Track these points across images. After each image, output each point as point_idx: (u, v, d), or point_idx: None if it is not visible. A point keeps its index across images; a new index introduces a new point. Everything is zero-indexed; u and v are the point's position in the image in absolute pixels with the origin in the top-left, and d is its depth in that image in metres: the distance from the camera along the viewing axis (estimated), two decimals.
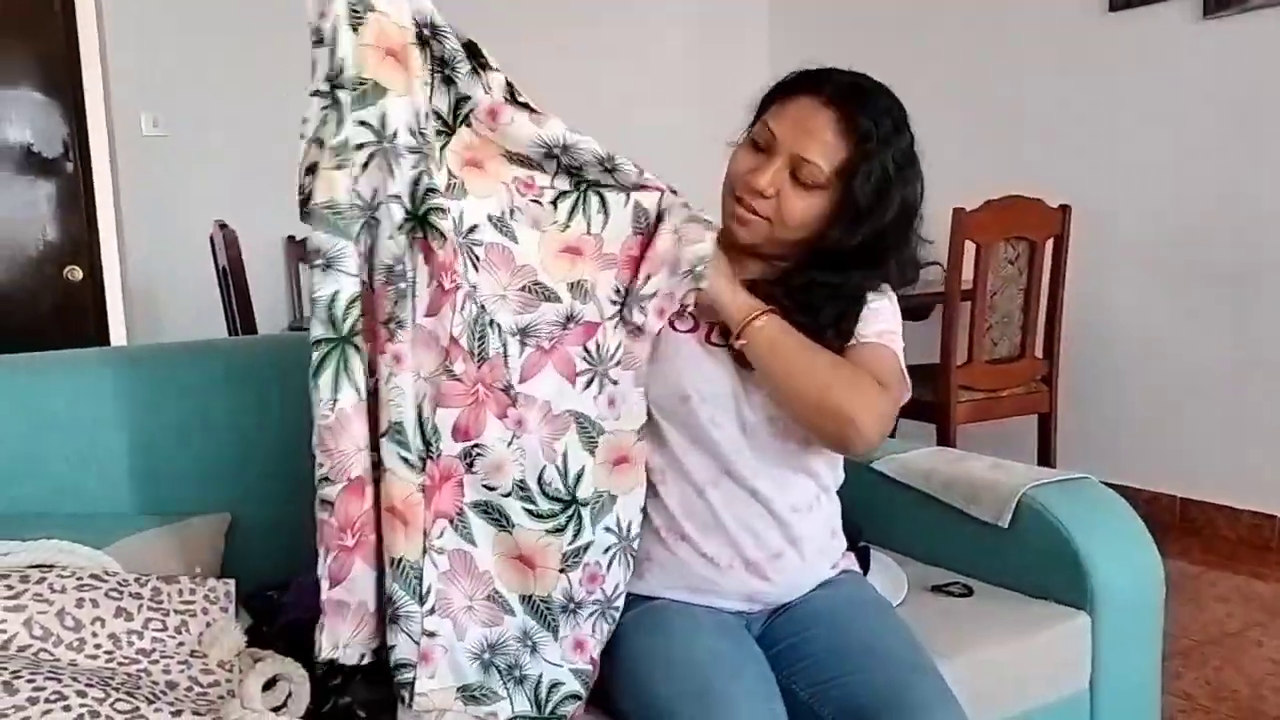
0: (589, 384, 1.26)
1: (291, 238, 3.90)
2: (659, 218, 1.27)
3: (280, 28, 3.77)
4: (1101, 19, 3.52)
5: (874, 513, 1.74)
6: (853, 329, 1.32)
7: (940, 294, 3.09)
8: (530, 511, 1.23)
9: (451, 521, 1.20)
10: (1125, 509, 1.65)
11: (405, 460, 1.14)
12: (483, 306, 1.21)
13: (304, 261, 3.92)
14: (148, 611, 1.18)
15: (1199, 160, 3.32)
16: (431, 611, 1.17)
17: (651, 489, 1.33)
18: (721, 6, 4.51)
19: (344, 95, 1.12)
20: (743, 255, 1.33)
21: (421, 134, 1.18)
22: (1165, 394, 3.45)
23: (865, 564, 1.56)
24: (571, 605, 1.24)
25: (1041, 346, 3.23)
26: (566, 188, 1.27)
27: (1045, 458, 3.25)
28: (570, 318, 1.26)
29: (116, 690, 1.02)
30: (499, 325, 1.22)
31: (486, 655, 1.21)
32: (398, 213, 1.14)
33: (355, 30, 1.13)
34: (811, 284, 1.29)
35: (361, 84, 1.13)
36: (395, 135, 1.15)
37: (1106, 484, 1.71)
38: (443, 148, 1.21)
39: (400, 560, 1.14)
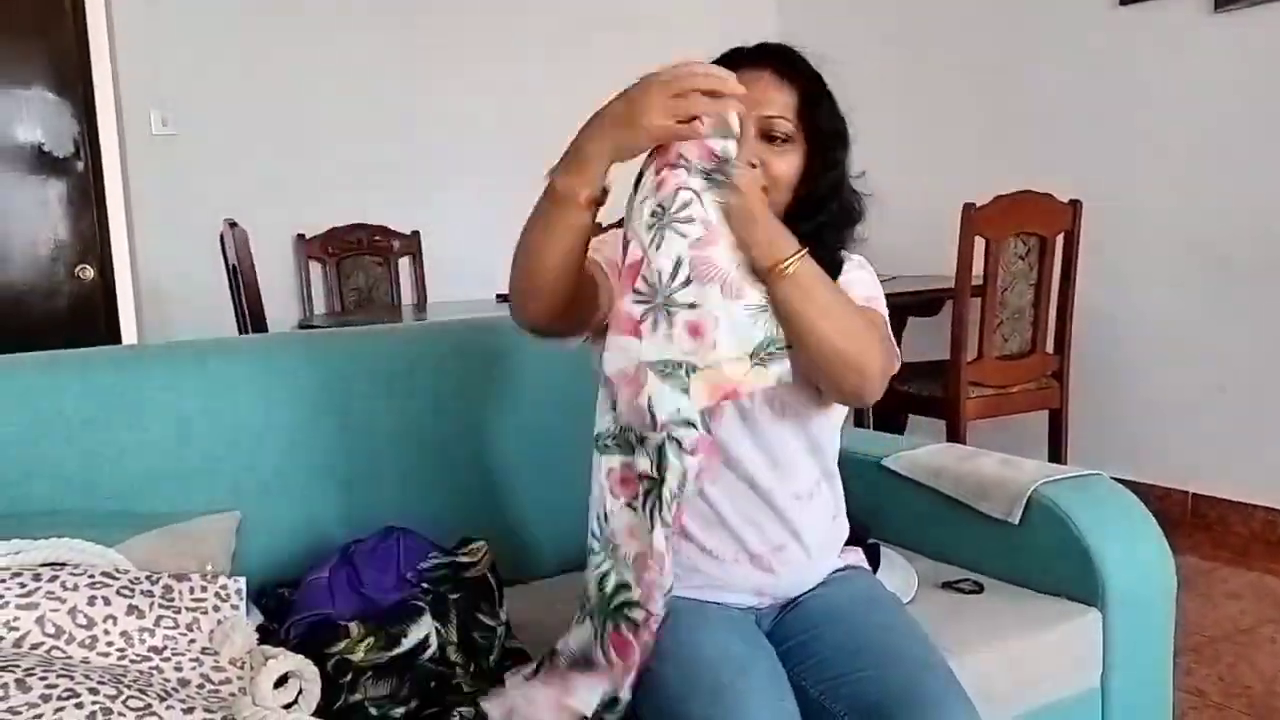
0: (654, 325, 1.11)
1: (301, 236, 3.91)
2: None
3: (290, 26, 3.81)
4: (1113, 12, 3.50)
5: (884, 510, 1.74)
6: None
7: (950, 290, 3.08)
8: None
9: None
10: (1136, 505, 1.65)
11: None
12: None
13: (314, 260, 3.95)
14: (159, 609, 1.18)
15: (1211, 153, 3.30)
16: None
17: None
18: (729, 4, 4.50)
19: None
20: None
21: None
22: (1177, 390, 3.44)
23: (875, 561, 1.56)
24: None
25: (1052, 342, 3.22)
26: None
27: (1056, 454, 3.24)
28: None
29: (129, 688, 1.02)
30: None
31: None
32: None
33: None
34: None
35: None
36: None
37: (1118, 480, 1.70)
38: None
39: None
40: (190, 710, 1.02)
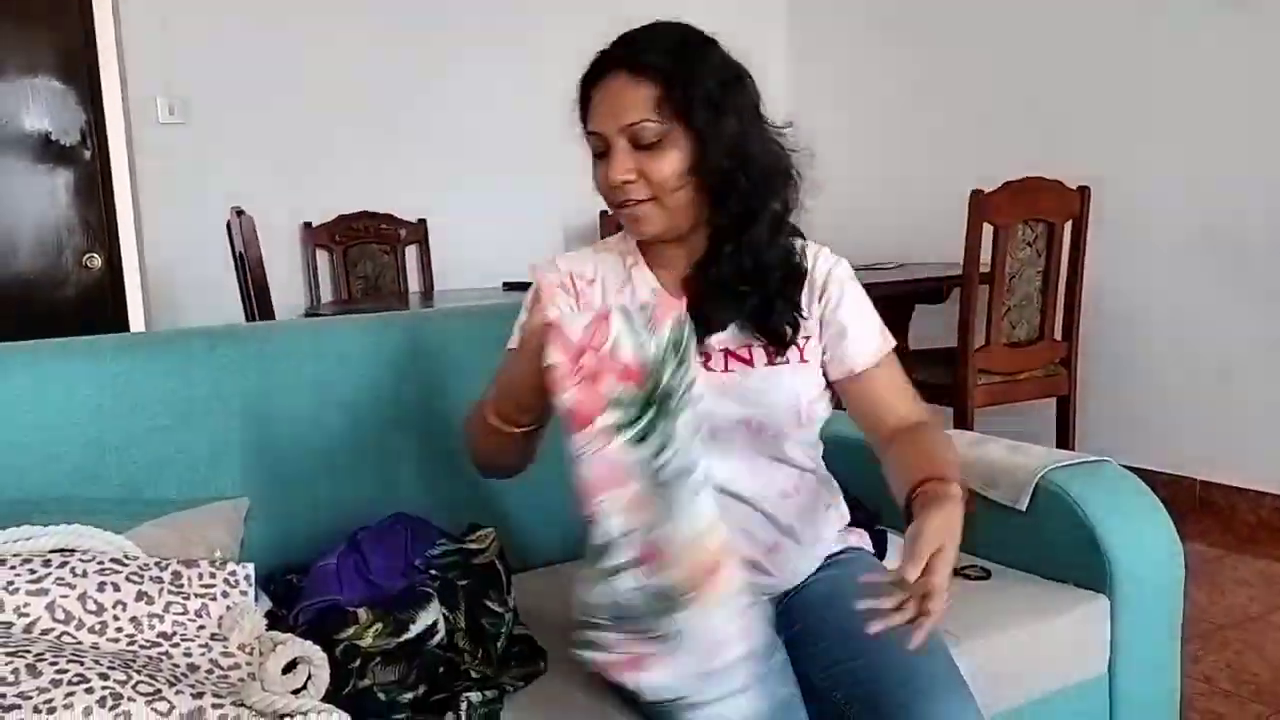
0: None
1: (308, 224, 3.91)
2: None
3: (297, 14, 3.81)
4: None
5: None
6: (798, 291, 1.29)
7: (958, 277, 3.07)
8: None
9: None
10: (1145, 491, 1.64)
11: None
12: None
13: (321, 248, 3.95)
14: (168, 595, 1.19)
15: (1221, 140, 3.28)
16: None
17: None
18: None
19: None
20: (668, 249, 1.31)
21: None
22: (1186, 377, 3.43)
23: (882, 548, 1.56)
24: None
25: (1060, 329, 3.21)
26: None
27: (1064, 441, 3.23)
28: None
29: (138, 673, 1.02)
30: None
31: None
32: None
33: None
34: (739, 240, 1.24)
35: None
36: None
37: (1126, 467, 1.70)
38: None
39: None
40: (199, 695, 1.02)
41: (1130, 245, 3.48)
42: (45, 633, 1.10)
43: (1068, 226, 3.13)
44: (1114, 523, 1.56)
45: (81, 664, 1.01)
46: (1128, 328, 3.53)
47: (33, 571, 1.14)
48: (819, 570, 1.37)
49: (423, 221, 4.09)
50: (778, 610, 1.35)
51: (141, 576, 1.19)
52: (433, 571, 1.37)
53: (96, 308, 3.60)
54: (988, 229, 2.97)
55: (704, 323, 1.23)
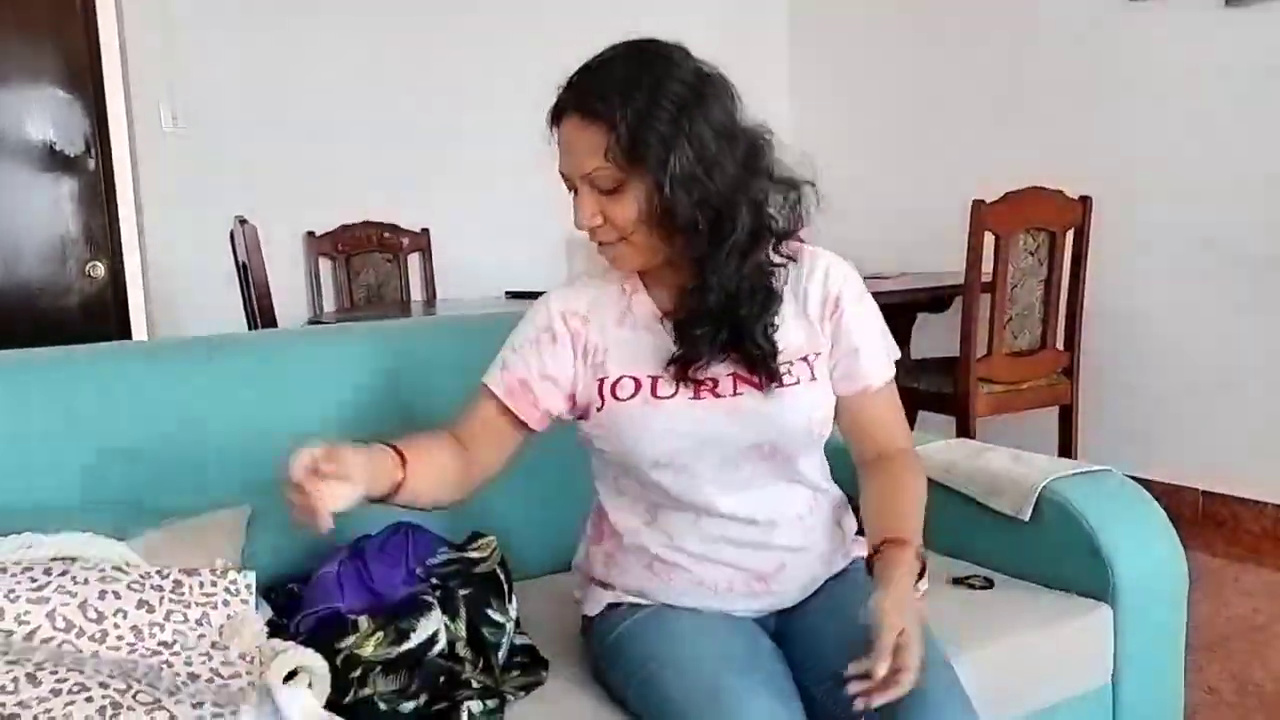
0: None
1: (311, 233, 3.92)
2: None
3: (301, 24, 3.82)
4: (1123, 8, 3.49)
5: None
6: (774, 311, 1.25)
7: (960, 286, 3.07)
8: None
9: None
10: (1148, 501, 1.64)
11: None
12: None
13: (324, 257, 3.95)
14: (169, 604, 1.19)
15: (1223, 150, 3.28)
16: None
17: (641, 528, 1.32)
18: (741, 31, 4.50)
19: None
20: (660, 272, 1.29)
21: None
22: (1189, 386, 3.42)
23: None
24: None
25: (1062, 339, 3.21)
26: None
27: (1067, 450, 3.23)
28: None
29: (138, 682, 1.02)
30: None
31: None
32: None
33: None
34: (704, 277, 1.21)
35: None
36: None
37: (1128, 477, 1.69)
38: None
39: None
40: (199, 704, 1.02)
41: (1132, 255, 3.48)
42: (46, 641, 1.10)
43: (1069, 236, 3.13)
44: (1117, 532, 1.55)
45: (81, 673, 1.01)
46: (1130, 337, 3.53)
47: (33, 580, 1.14)
48: (822, 584, 1.36)
49: (425, 231, 4.09)
50: (779, 623, 1.34)
51: (142, 585, 1.19)
52: (434, 580, 1.37)
53: (99, 316, 3.60)
54: (989, 238, 2.97)
55: (690, 358, 1.24)
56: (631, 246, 1.23)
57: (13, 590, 1.12)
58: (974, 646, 1.38)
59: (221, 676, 1.14)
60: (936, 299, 3.47)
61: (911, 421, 3.45)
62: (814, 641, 1.27)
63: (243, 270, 3.17)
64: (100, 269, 3.61)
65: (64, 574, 1.16)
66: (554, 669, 1.36)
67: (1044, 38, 3.75)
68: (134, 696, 1.00)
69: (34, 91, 3.49)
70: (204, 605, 1.21)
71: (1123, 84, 3.53)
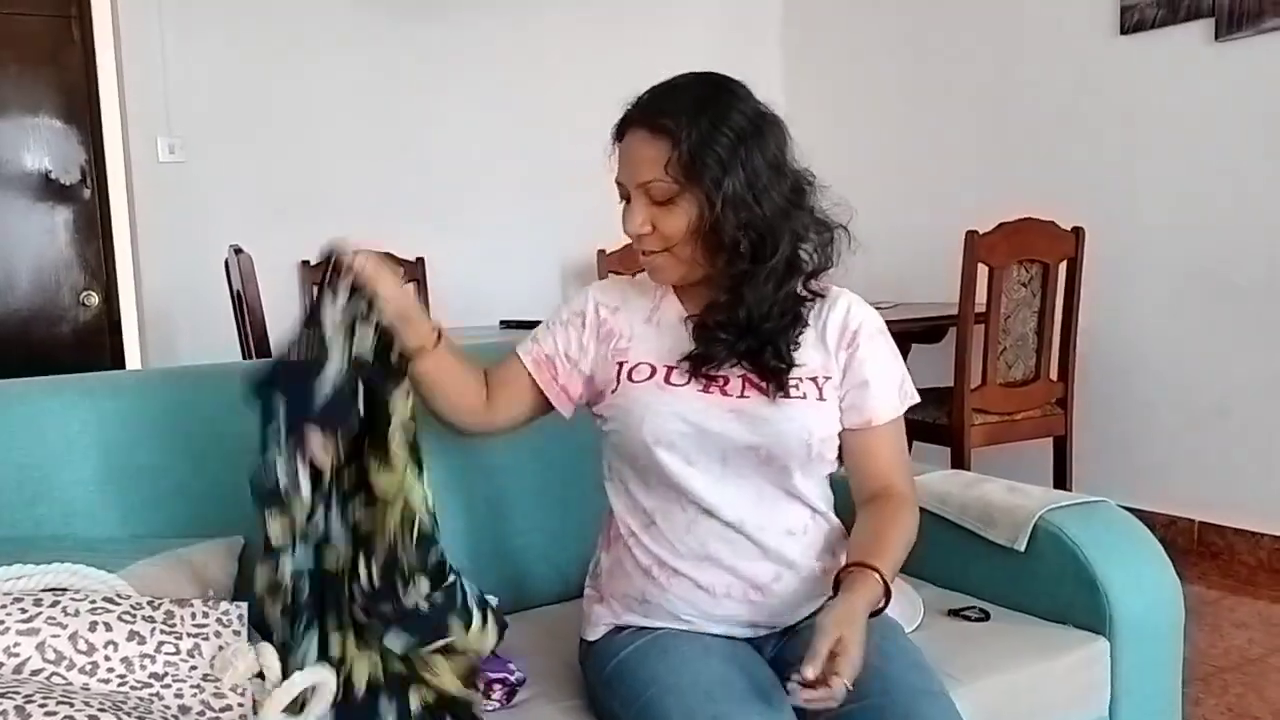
0: None
1: (306, 262, 3.92)
2: None
3: (297, 55, 3.84)
4: (1114, 41, 3.52)
5: None
6: (795, 336, 1.32)
7: (954, 317, 3.08)
8: None
9: None
10: (1143, 532, 1.64)
11: None
12: None
13: (317, 286, 3.95)
14: (160, 635, 1.18)
15: (1214, 181, 3.31)
16: None
17: (642, 530, 1.35)
18: (735, 30, 4.54)
19: None
20: (683, 293, 1.39)
21: None
22: (1183, 417, 3.43)
23: None
24: None
25: (1056, 369, 3.22)
26: None
27: (1061, 481, 3.23)
28: None
29: (129, 715, 1.01)
30: None
31: None
32: None
33: None
34: (740, 293, 1.29)
35: None
36: None
37: (1123, 508, 1.69)
38: None
39: None
40: None
41: (1125, 285, 3.50)
42: (35, 673, 1.09)
43: (1062, 267, 3.15)
44: (1113, 564, 1.55)
45: (71, 705, 1.00)
46: (1124, 368, 3.54)
47: (24, 610, 1.13)
48: (817, 611, 1.36)
49: (420, 260, 4.10)
50: (776, 650, 1.34)
51: (134, 616, 1.17)
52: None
53: (93, 345, 3.60)
54: (983, 269, 2.99)
55: (707, 357, 1.31)
56: (674, 258, 1.30)
57: (2, 622, 1.11)
58: (970, 679, 1.38)
59: (213, 709, 1.13)
60: (930, 330, 3.48)
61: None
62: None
63: (238, 299, 3.17)
64: (95, 298, 3.61)
65: (54, 605, 1.15)
66: (551, 697, 1.36)
67: (1036, 69, 3.78)
68: None
69: (31, 121, 3.50)
70: (196, 637, 1.20)
71: (1115, 115, 3.56)
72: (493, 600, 1.46)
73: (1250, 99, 3.20)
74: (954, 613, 1.62)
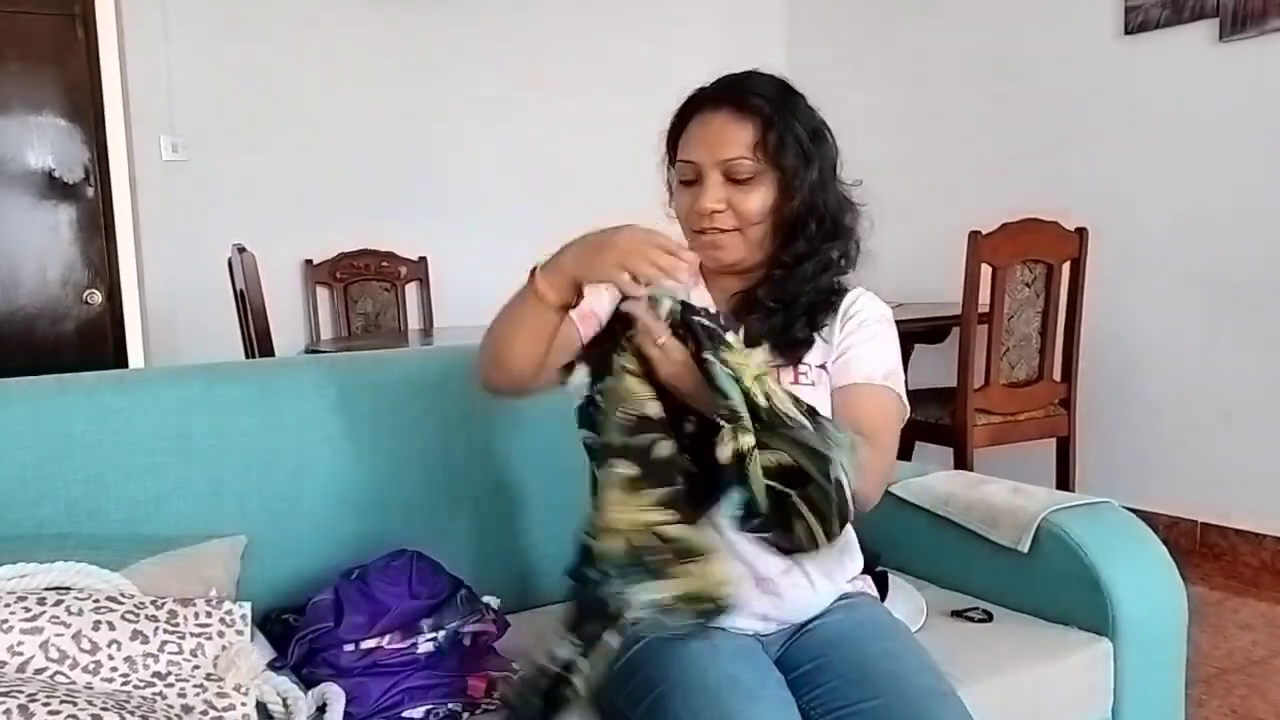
0: None
1: (309, 261, 3.93)
2: None
3: (300, 54, 3.84)
4: (1118, 42, 3.52)
5: (892, 537, 1.73)
6: (822, 320, 1.36)
7: (957, 317, 3.07)
8: None
9: None
10: (1147, 534, 1.64)
11: None
12: None
13: (321, 285, 3.96)
14: (164, 634, 1.18)
15: (1218, 181, 3.30)
16: None
17: None
18: (738, 31, 4.54)
19: None
20: (727, 276, 1.40)
21: None
22: (1186, 418, 3.42)
23: (884, 589, 1.55)
24: None
25: (1060, 370, 3.21)
26: None
27: (1064, 482, 3.22)
28: None
29: (132, 714, 1.01)
30: None
31: None
32: None
33: None
34: (789, 270, 1.33)
35: None
36: None
37: (1126, 509, 1.69)
38: None
39: None
40: None
41: (1129, 286, 3.50)
42: (39, 672, 1.09)
43: (1066, 267, 3.14)
44: (1116, 565, 1.55)
45: (75, 704, 1.00)
46: (1127, 369, 3.53)
47: (27, 609, 1.13)
48: (826, 612, 1.36)
49: (423, 259, 4.10)
50: (783, 650, 1.34)
51: (137, 615, 1.18)
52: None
53: (97, 344, 3.60)
54: (986, 269, 2.98)
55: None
56: (743, 239, 1.32)
57: (6, 621, 1.11)
58: (974, 680, 1.37)
59: (216, 708, 1.13)
60: (933, 330, 3.48)
61: (908, 453, 3.45)
62: (818, 671, 1.27)
63: (240, 298, 3.17)
64: (98, 296, 3.61)
65: (58, 604, 1.15)
66: None
67: (1040, 69, 3.78)
68: None
69: (34, 119, 3.50)
70: (199, 636, 1.20)
71: (1119, 115, 3.55)
72: (494, 601, 1.46)
73: (1255, 99, 3.20)
74: (957, 614, 1.62)
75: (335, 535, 1.57)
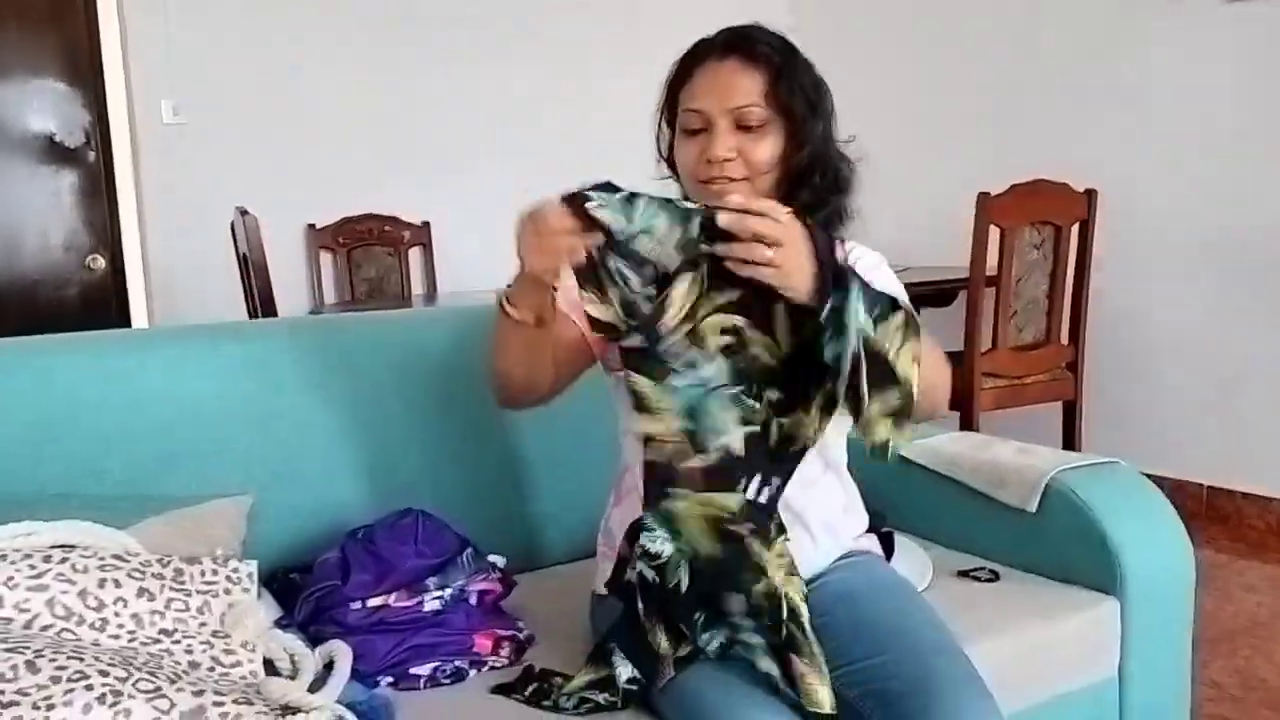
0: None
1: (312, 225, 3.91)
2: None
3: (302, 17, 3.80)
4: (1129, 1, 3.47)
5: (899, 498, 1.72)
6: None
7: (964, 280, 3.06)
8: None
9: None
10: (1155, 493, 1.63)
11: None
12: None
13: (325, 250, 3.94)
14: (170, 592, 1.18)
15: (1227, 143, 3.27)
16: None
17: None
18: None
19: None
20: None
21: None
22: (1193, 381, 3.41)
23: (889, 549, 1.54)
24: None
25: (1067, 333, 3.20)
26: None
27: (1070, 445, 3.21)
28: None
29: (139, 670, 1.01)
30: None
31: None
32: None
33: None
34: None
35: None
36: None
37: None
38: None
39: None
40: (200, 693, 1.01)
41: (1137, 249, 3.47)
42: (45, 629, 1.09)
43: (1074, 230, 3.12)
44: (1124, 524, 1.54)
45: (81, 660, 1.00)
46: (1134, 332, 3.52)
47: (33, 567, 1.13)
48: (831, 569, 1.36)
49: (427, 224, 4.08)
50: None
51: (143, 573, 1.18)
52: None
53: (100, 309, 3.59)
54: (994, 232, 2.96)
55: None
56: (751, 189, 1.29)
57: (12, 578, 1.11)
58: (980, 639, 1.37)
59: (223, 664, 1.13)
60: (940, 293, 3.46)
61: None
62: (823, 628, 1.26)
63: (244, 262, 3.16)
64: (101, 261, 3.60)
65: (64, 562, 1.14)
66: (559, 654, 1.35)
67: (1049, 31, 3.73)
68: (134, 684, 0.99)
69: (34, 84, 3.48)
70: (205, 594, 1.20)
71: (1129, 76, 3.51)
72: (500, 560, 1.46)
73: (1264, 60, 3.16)
74: (963, 574, 1.61)
75: (340, 495, 1.57)
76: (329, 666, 1.23)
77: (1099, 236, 3.15)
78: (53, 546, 1.18)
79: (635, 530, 1.22)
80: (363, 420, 1.61)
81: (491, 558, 1.45)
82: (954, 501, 1.71)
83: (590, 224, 1.14)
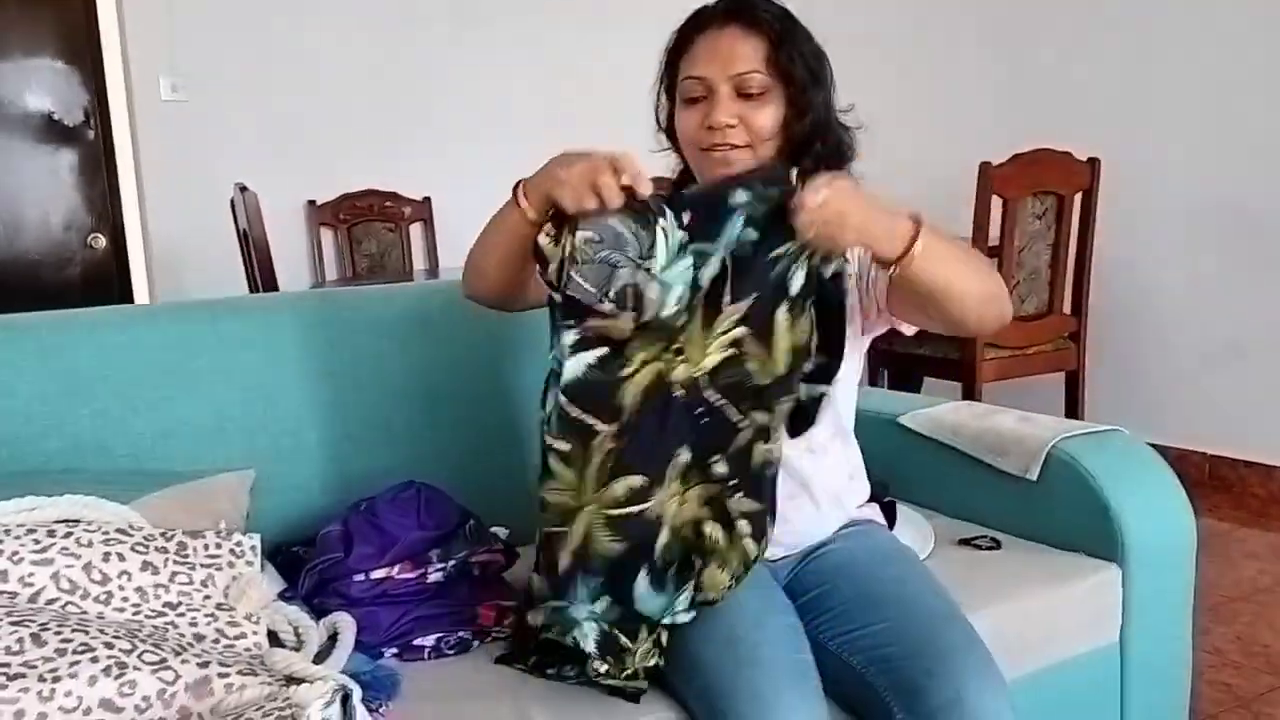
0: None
1: (312, 202, 3.90)
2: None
3: None
4: None
5: (901, 467, 1.73)
6: None
7: None
8: None
9: None
10: (1157, 461, 1.63)
11: None
12: None
13: (325, 226, 3.93)
14: (174, 565, 1.18)
15: (1229, 112, 3.25)
16: None
17: None
18: None
19: None
20: None
21: None
22: (1195, 351, 3.40)
23: (892, 519, 1.55)
24: None
25: (1070, 303, 3.19)
26: None
27: (1073, 414, 3.21)
28: None
29: (144, 642, 1.02)
30: None
31: None
32: None
33: None
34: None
35: None
36: None
37: None
38: None
39: None
40: (205, 665, 1.02)
41: (1140, 218, 3.45)
42: (50, 602, 1.10)
43: (1077, 199, 3.10)
44: (1126, 492, 1.54)
45: (86, 633, 1.01)
46: (1137, 301, 3.51)
47: (37, 542, 1.13)
48: (834, 538, 1.36)
49: (427, 200, 4.07)
50: (791, 575, 1.35)
51: (147, 547, 1.18)
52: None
53: (101, 287, 3.59)
54: (996, 201, 2.95)
55: None
56: (753, 156, 1.30)
57: (16, 552, 1.12)
58: (982, 606, 1.37)
59: (227, 636, 1.14)
60: None
61: (917, 387, 3.44)
62: (826, 596, 1.27)
63: (244, 238, 3.15)
64: (101, 239, 3.60)
65: (68, 536, 1.15)
66: None
67: None
68: (139, 656, 0.99)
69: (33, 62, 3.47)
70: (209, 567, 1.21)
71: (1132, 43, 3.48)
72: (503, 532, 1.47)
73: (1267, 26, 3.13)
74: (965, 542, 1.62)
75: (342, 469, 1.58)
76: (333, 638, 1.24)
77: (1102, 206, 3.14)
78: (57, 521, 1.18)
79: None
80: (364, 394, 1.61)
81: (494, 529, 1.46)
82: (956, 470, 1.71)
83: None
